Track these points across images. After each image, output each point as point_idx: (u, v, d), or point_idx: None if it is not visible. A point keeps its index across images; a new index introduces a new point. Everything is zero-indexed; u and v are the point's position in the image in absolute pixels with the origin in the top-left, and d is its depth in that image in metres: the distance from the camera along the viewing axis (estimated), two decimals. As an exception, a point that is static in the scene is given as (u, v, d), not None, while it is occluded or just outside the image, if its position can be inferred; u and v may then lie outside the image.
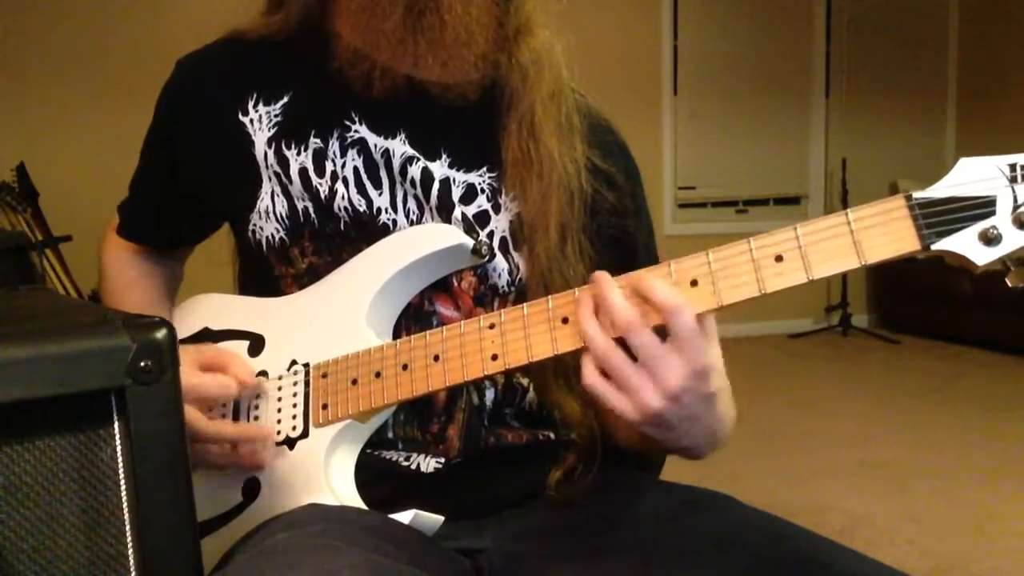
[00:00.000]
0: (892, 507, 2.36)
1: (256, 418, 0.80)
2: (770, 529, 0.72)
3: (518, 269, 0.82)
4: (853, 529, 2.20)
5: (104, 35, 4.10)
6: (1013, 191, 0.58)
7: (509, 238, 0.83)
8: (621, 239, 0.87)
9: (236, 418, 0.81)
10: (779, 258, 0.62)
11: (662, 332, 0.63)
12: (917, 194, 0.60)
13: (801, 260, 0.62)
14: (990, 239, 0.58)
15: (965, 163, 0.60)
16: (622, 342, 0.64)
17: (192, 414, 0.75)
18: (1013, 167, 0.58)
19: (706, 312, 0.64)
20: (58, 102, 4.04)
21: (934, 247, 0.59)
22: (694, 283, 0.64)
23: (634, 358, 0.64)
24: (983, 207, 0.59)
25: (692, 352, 0.62)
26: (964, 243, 0.59)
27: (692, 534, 0.73)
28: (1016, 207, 0.58)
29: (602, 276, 0.66)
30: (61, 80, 4.04)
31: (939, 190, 0.60)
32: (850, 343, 4.92)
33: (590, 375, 0.65)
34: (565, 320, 0.68)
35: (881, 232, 0.60)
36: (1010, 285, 0.60)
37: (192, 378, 0.76)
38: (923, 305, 4.87)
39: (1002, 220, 0.58)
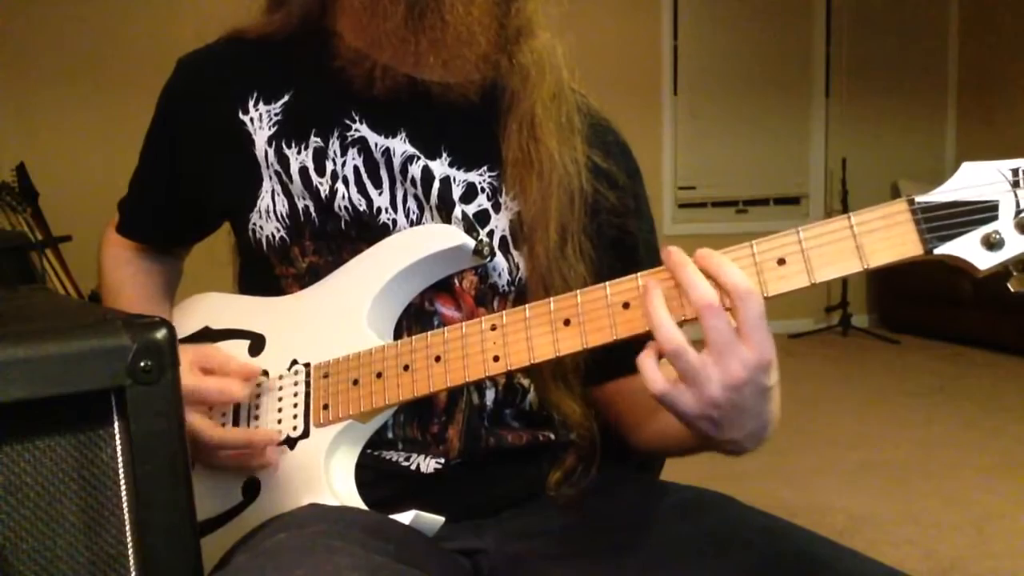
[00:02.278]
0: (892, 507, 2.36)
1: (256, 418, 0.80)
2: (770, 529, 0.72)
3: (518, 268, 0.82)
4: (853, 529, 2.20)
5: (104, 35, 4.09)
6: (1015, 196, 0.58)
7: (509, 237, 0.83)
8: (622, 239, 0.87)
9: (237, 417, 0.81)
10: (782, 261, 0.62)
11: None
12: (919, 198, 0.60)
13: (804, 263, 0.62)
14: (992, 244, 0.58)
15: (967, 167, 0.60)
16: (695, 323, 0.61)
17: (197, 420, 0.75)
18: (1016, 171, 0.58)
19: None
20: (58, 102, 4.04)
21: (936, 252, 0.59)
22: (695, 284, 0.64)
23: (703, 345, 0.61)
24: (985, 212, 0.58)
25: (760, 342, 0.60)
26: (966, 248, 0.59)
27: (692, 534, 0.73)
28: (1018, 212, 0.58)
29: (677, 252, 0.63)
30: (61, 80, 4.04)
31: (941, 194, 0.60)
32: (850, 343, 4.92)
33: (659, 383, 0.62)
34: (567, 322, 0.68)
35: (883, 236, 0.60)
36: (1012, 290, 0.60)
37: (192, 380, 0.76)
38: (923, 305, 4.87)
39: (1004, 225, 0.58)
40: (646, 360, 0.63)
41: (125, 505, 0.55)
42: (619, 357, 0.71)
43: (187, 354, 0.78)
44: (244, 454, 0.77)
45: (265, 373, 0.81)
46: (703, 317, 0.61)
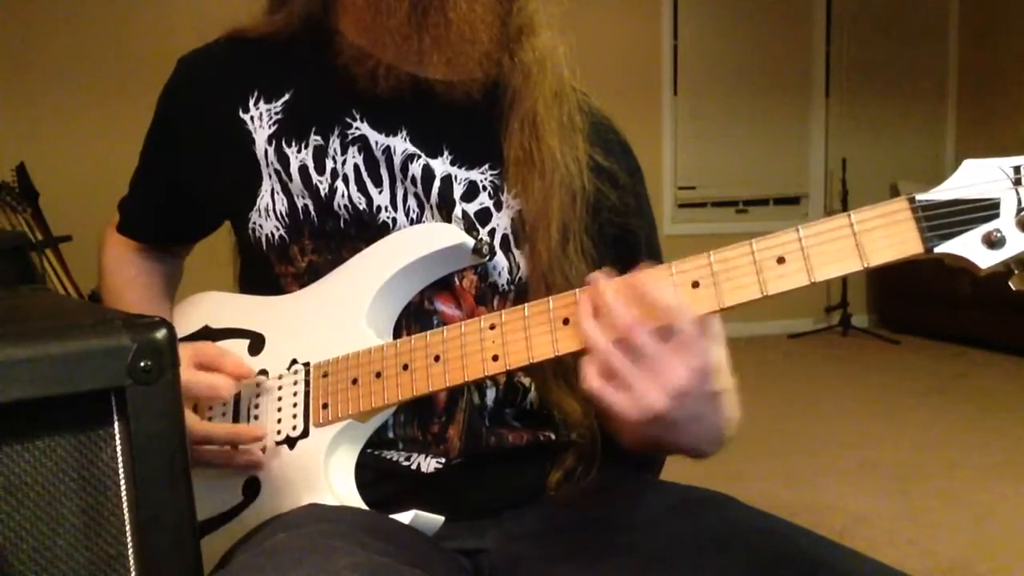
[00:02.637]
0: (892, 507, 2.36)
1: (256, 417, 0.80)
2: (770, 529, 0.72)
3: (518, 267, 0.82)
4: (853, 529, 2.19)
5: (104, 35, 4.09)
6: (1017, 193, 0.58)
7: (511, 236, 0.82)
8: (624, 237, 0.88)
9: (236, 417, 0.81)
10: (781, 260, 0.62)
11: (666, 333, 0.63)
12: (920, 196, 0.60)
13: (803, 262, 0.62)
14: (993, 242, 0.58)
15: (968, 165, 0.59)
16: (623, 343, 0.64)
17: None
18: (1017, 169, 0.58)
19: (708, 313, 0.64)
20: (58, 102, 4.04)
21: (937, 250, 0.59)
22: (695, 284, 0.64)
23: (635, 359, 0.63)
24: (986, 210, 0.58)
25: (694, 352, 0.62)
26: (967, 246, 0.58)
27: (692, 534, 0.73)
28: (1020, 210, 0.57)
29: (598, 278, 0.66)
30: (61, 80, 4.04)
31: (942, 192, 0.59)
32: (850, 343, 4.92)
33: (591, 378, 0.64)
34: (566, 321, 0.68)
35: (884, 234, 0.60)
36: (1014, 288, 0.60)
37: (184, 375, 0.76)
38: (923, 305, 4.87)
39: (1006, 223, 0.58)
40: (585, 363, 0.65)
41: (125, 505, 0.55)
42: None
43: (184, 350, 0.78)
44: (229, 452, 0.77)
45: (265, 372, 0.81)
46: (626, 339, 0.63)
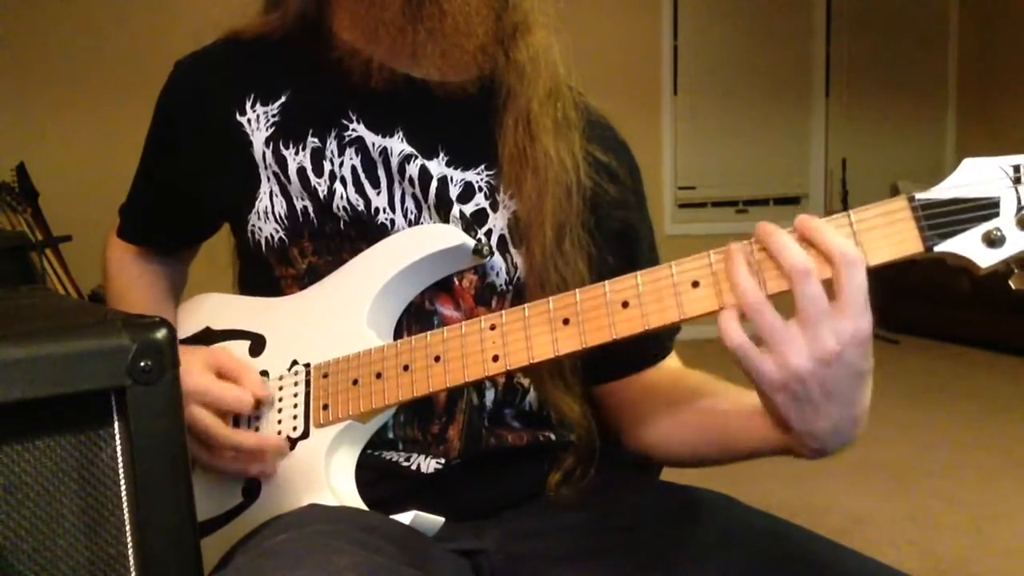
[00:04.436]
0: (892, 507, 2.36)
1: (257, 418, 0.80)
2: (770, 529, 0.72)
3: (516, 268, 0.82)
4: (853, 529, 2.19)
5: (104, 36, 4.10)
6: (1017, 192, 0.58)
7: (507, 236, 0.82)
8: (625, 232, 0.87)
9: (237, 420, 0.81)
10: (781, 260, 0.62)
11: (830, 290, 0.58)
12: (920, 195, 0.59)
13: (803, 262, 0.61)
14: (993, 241, 0.57)
15: (968, 164, 0.59)
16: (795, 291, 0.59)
17: (207, 417, 0.75)
18: (1017, 168, 0.58)
19: (710, 313, 0.63)
20: (58, 102, 4.04)
21: (937, 249, 0.59)
22: (695, 284, 0.64)
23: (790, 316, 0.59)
24: (986, 208, 0.58)
25: (858, 314, 0.58)
26: (967, 245, 0.58)
27: (692, 534, 0.73)
28: (1020, 208, 0.57)
29: (768, 223, 0.62)
30: (61, 80, 4.04)
31: (942, 191, 0.59)
32: (850, 343, 4.91)
33: (734, 333, 0.59)
34: (566, 321, 0.68)
35: (883, 233, 0.60)
36: (1014, 287, 0.59)
37: (205, 380, 0.76)
38: (923, 305, 4.86)
39: (1006, 222, 0.58)
40: (726, 316, 0.61)
41: (125, 505, 0.55)
42: (620, 356, 0.71)
43: (200, 354, 0.78)
44: (248, 459, 0.77)
45: (265, 373, 0.81)
46: (795, 283, 0.58)
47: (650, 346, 0.86)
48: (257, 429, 0.79)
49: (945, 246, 0.59)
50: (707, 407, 0.77)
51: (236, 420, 0.81)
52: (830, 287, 0.59)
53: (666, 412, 0.80)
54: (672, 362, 0.88)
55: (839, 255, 0.58)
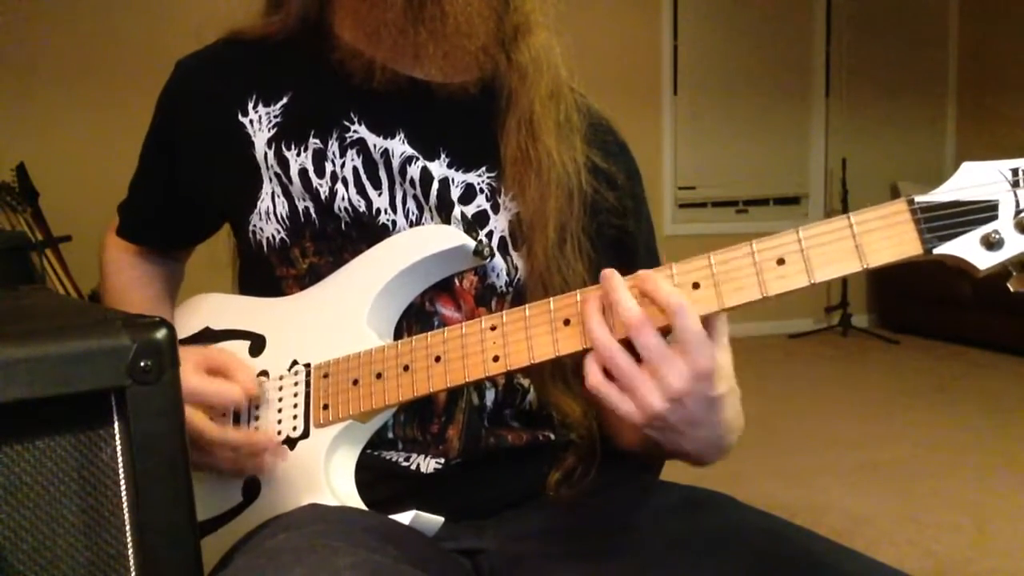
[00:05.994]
0: (892, 507, 2.36)
1: (257, 418, 0.80)
2: (770, 529, 0.72)
3: (516, 269, 0.82)
4: (853, 529, 2.20)
5: (104, 36, 4.09)
6: (1015, 195, 0.58)
7: (508, 238, 0.83)
8: (621, 239, 0.87)
9: (237, 419, 0.81)
10: (781, 261, 0.62)
11: (666, 334, 0.63)
12: (919, 198, 0.60)
13: (803, 263, 0.62)
14: (992, 243, 0.58)
15: (967, 167, 0.60)
16: (626, 344, 0.64)
17: (197, 418, 0.75)
18: (1015, 171, 0.58)
19: (710, 314, 0.64)
20: (58, 102, 4.04)
21: (936, 251, 0.59)
22: (696, 286, 0.64)
23: (638, 360, 0.63)
24: (985, 211, 0.58)
25: (695, 354, 0.62)
26: (966, 247, 0.59)
27: (692, 534, 0.73)
28: (1018, 211, 0.58)
29: (611, 274, 0.65)
30: (61, 80, 4.04)
31: (941, 194, 0.60)
32: (850, 343, 4.92)
33: (593, 376, 0.64)
34: (567, 322, 0.68)
35: (883, 236, 0.60)
36: (1012, 290, 0.60)
37: (194, 380, 0.76)
38: (923, 305, 4.87)
39: (1004, 224, 0.58)
40: (590, 357, 0.65)
41: (125, 505, 0.55)
42: None
43: (190, 354, 0.78)
44: (241, 455, 0.77)
45: (265, 373, 0.81)
46: (633, 337, 0.63)
47: None
48: (257, 429, 0.79)
49: (944, 248, 0.59)
50: None
51: (236, 418, 0.81)
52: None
53: None
54: None
55: (667, 305, 0.62)
